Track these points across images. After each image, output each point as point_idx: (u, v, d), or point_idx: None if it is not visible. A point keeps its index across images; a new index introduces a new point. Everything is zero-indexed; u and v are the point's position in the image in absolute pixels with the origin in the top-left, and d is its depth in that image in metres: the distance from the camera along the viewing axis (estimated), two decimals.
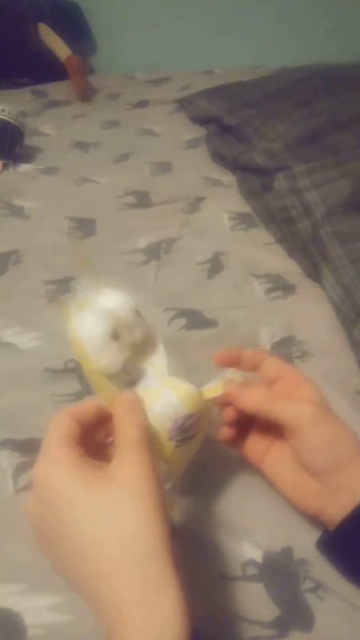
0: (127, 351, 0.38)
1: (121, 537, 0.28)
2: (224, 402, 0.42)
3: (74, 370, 0.56)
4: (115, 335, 0.37)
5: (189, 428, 0.38)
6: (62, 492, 0.30)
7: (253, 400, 0.40)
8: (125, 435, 0.33)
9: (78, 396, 0.54)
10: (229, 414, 0.43)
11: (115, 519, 0.29)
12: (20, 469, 0.46)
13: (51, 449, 0.32)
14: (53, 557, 0.32)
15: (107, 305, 0.38)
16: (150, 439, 0.34)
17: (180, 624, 0.27)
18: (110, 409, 0.35)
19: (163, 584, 0.28)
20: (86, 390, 0.55)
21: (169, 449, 0.37)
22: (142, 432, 0.33)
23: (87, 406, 0.35)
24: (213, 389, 0.41)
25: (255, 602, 0.37)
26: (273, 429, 0.42)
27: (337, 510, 0.37)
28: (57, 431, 0.33)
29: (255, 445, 0.43)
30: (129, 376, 0.39)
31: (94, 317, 0.37)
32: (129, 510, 0.29)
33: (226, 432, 0.44)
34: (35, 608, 0.37)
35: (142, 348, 0.40)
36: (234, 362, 0.43)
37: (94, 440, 0.36)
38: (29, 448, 0.48)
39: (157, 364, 0.41)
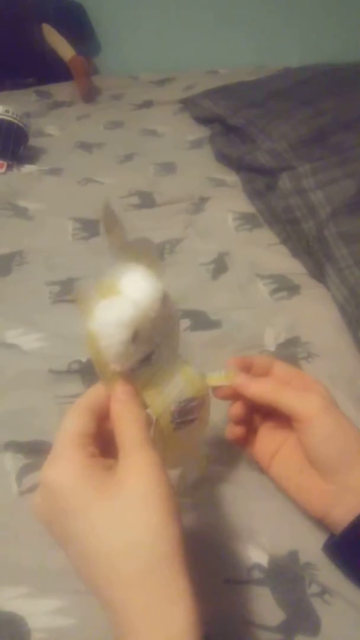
0: (147, 343, 0.35)
1: (131, 546, 0.27)
2: (232, 395, 0.41)
3: (78, 371, 0.56)
4: (135, 336, 0.33)
5: (190, 411, 0.37)
6: (70, 499, 0.29)
7: (262, 389, 0.40)
8: (129, 433, 0.32)
9: None
10: (238, 411, 0.42)
11: (125, 528, 0.28)
12: (24, 471, 0.46)
13: (62, 449, 0.31)
14: (65, 553, 0.31)
15: (132, 295, 0.33)
16: (152, 428, 0.33)
17: (192, 635, 0.26)
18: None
19: (176, 595, 0.27)
20: None
21: (169, 432, 0.36)
22: (144, 428, 0.32)
23: (99, 394, 0.34)
24: (217, 378, 0.40)
25: (261, 606, 0.37)
26: (283, 429, 0.42)
27: (343, 513, 0.37)
28: (69, 429, 0.32)
29: (265, 446, 0.43)
30: (142, 354, 0.36)
31: (115, 317, 0.32)
32: (141, 520, 0.28)
33: (235, 431, 0.43)
34: (39, 612, 0.37)
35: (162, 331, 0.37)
36: (246, 369, 0.42)
37: (108, 428, 0.34)
38: (32, 450, 0.48)
39: (172, 346, 0.38)
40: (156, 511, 0.28)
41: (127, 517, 0.28)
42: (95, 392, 0.34)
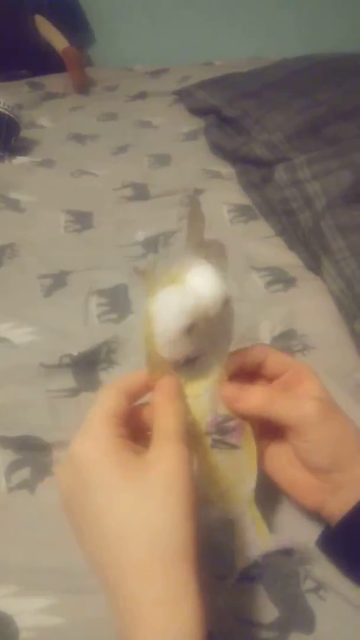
0: (199, 341, 0.35)
1: (148, 534, 0.27)
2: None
3: (69, 365, 0.55)
4: (191, 329, 0.34)
5: (228, 432, 0.37)
6: (95, 473, 0.29)
7: (252, 404, 0.38)
8: (166, 424, 0.32)
9: (74, 392, 0.53)
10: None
11: (145, 514, 0.28)
12: (13, 467, 0.45)
13: (93, 424, 0.31)
14: (77, 532, 0.30)
15: (195, 292, 0.33)
16: (187, 431, 0.33)
17: (196, 633, 0.26)
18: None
19: (184, 589, 0.26)
20: (82, 385, 0.54)
21: (205, 444, 0.36)
22: (182, 423, 0.32)
23: (137, 378, 0.35)
24: None
25: (254, 603, 0.36)
26: (274, 423, 0.41)
27: (337, 506, 0.36)
28: (103, 406, 0.32)
29: (256, 440, 0.42)
30: (190, 354, 0.36)
31: (176, 305, 0.33)
32: (161, 507, 0.28)
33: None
34: (27, 611, 0.36)
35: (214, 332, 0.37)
36: (240, 366, 0.40)
37: (141, 416, 0.35)
38: (22, 446, 0.47)
39: (220, 353, 0.38)
40: (178, 505, 0.28)
41: (148, 503, 0.28)
42: (134, 378, 0.35)
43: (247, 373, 0.40)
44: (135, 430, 0.34)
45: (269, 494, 0.41)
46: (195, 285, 0.34)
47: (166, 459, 0.30)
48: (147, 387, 0.35)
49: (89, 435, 0.31)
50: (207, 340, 0.36)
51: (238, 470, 0.38)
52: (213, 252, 0.37)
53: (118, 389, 0.33)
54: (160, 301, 0.33)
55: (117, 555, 0.27)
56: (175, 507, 0.28)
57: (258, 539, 0.38)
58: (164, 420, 0.32)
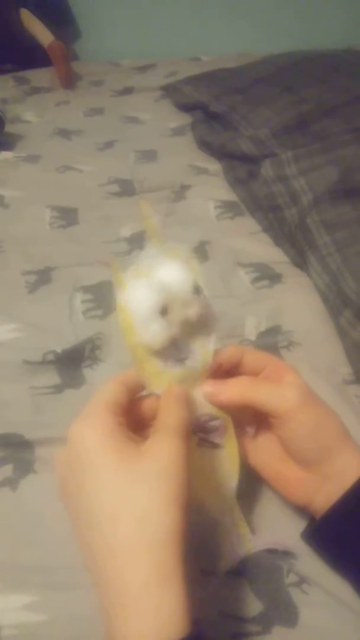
0: (176, 328, 0.36)
1: (138, 517, 0.28)
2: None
3: (53, 362, 0.54)
4: (164, 311, 0.35)
5: (212, 431, 0.37)
6: (91, 455, 0.30)
7: (234, 392, 0.38)
8: (168, 420, 0.33)
9: (57, 389, 0.53)
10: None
11: (136, 497, 0.28)
12: None
13: (93, 410, 0.32)
14: (72, 514, 0.31)
15: (163, 277, 0.35)
16: (189, 424, 0.33)
17: (183, 620, 0.26)
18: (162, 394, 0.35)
19: (170, 576, 0.27)
20: (66, 382, 0.53)
21: (192, 443, 0.37)
22: (185, 423, 0.33)
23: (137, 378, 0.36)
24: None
25: (238, 597, 0.36)
26: (259, 417, 0.41)
27: (323, 500, 0.36)
28: (105, 394, 0.33)
29: (241, 435, 0.42)
30: (179, 354, 0.37)
31: (145, 288, 0.35)
32: (153, 492, 0.28)
33: None
34: (9, 608, 0.36)
35: (196, 328, 0.38)
36: (216, 372, 0.40)
37: (139, 413, 0.36)
38: (5, 443, 0.46)
39: (204, 352, 0.38)
40: (169, 492, 0.28)
41: (141, 488, 0.29)
42: (134, 374, 0.36)
43: (226, 373, 0.40)
44: (134, 422, 0.35)
45: (253, 491, 0.41)
46: (163, 273, 0.35)
47: (162, 449, 0.30)
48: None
49: (89, 419, 0.32)
50: (190, 335, 0.37)
51: (220, 468, 0.38)
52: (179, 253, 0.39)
53: (119, 381, 0.34)
54: (130, 290, 0.35)
55: (106, 535, 0.28)
56: (166, 494, 0.28)
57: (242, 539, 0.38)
58: (167, 415, 0.33)
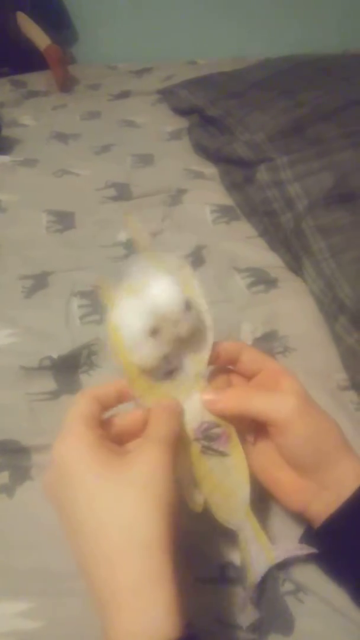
0: (168, 346, 0.36)
1: (124, 526, 0.28)
2: None
3: (50, 368, 0.54)
4: (154, 332, 0.35)
5: (216, 438, 0.38)
6: (77, 471, 0.31)
7: (231, 401, 0.38)
8: (156, 431, 0.33)
9: (54, 395, 0.53)
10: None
11: (122, 508, 0.29)
12: None
13: (72, 427, 0.32)
14: (65, 527, 0.31)
15: (153, 296, 0.35)
16: (178, 445, 0.34)
17: (174, 622, 0.27)
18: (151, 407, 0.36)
19: (160, 579, 0.27)
20: (62, 388, 0.53)
21: (196, 451, 0.37)
22: (173, 435, 0.34)
23: (109, 389, 0.36)
24: None
25: (234, 605, 0.36)
26: (257, 424, 0.41)
27: (321, 508, 0.36)
28: (79, 409, 0.33)
29: (241, 443, 0.42)
30: (169, 365, 0.37)
31: (135, 310, 0.35)
32: (140, 500, 0.29)
33: None
34: (4, 614, 0.36)
35: (188, 340, 0.38)
36: (212, 360, 0.41)
37: (119, 428, 0.36)
38: (2, 450, 0.46)
39: (198, 361, 0.38)
40: (154, 501, 0.29)
41: (126, 498, 0.29)
42: (104, 386, 0.36)
43: (223, 369, 0.41)
44: (114, 437, 0.35)
45: (262, 499, 0.41)
46: (153, 293, 0.35)
47: (147, 457, 0.31)
48: (120, 398, 0.36)
49: (68, 437, 0.32)
50: (181, 348, 0.37)
51: (229, 477, 0.38)
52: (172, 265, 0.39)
53: (91, 396, 0.35)
54: (120, 309, 0.35)
55: (93, 546, 0.29)
56: (152, 501, 0.29)
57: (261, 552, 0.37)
58: (155, 427, 0.34)
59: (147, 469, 0.30)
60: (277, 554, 0.37)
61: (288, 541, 0.39)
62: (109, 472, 0.30)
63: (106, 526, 0.29)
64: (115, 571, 0.28)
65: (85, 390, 0.35)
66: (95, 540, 0.29)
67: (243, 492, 0.37)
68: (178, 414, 0.36)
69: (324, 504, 0.36)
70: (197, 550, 0.39)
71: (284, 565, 0.37)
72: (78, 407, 0.34)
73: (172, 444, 0.33)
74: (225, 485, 0.38)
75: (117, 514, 0.29)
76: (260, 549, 0.37)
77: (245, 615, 0.35)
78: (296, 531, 0.39)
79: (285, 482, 0.38)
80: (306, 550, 0.37)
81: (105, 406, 0.35)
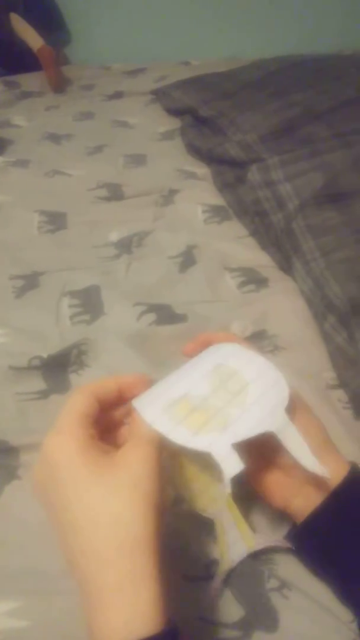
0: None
1: (112, 525, 0.29)
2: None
3: (39, 367, 0.54)
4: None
5: None
6: (65, 469, 0.31)
7: None
8: (140, 426, 0.33)
9: (43, 394, 0.53)
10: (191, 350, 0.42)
11: (110, 508, 0.29)
12: None
13: (65, 423, 0.33)
14: (52, 523, 0.32)
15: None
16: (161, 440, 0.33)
17: (157, 617, 0.27)
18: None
19: (144, 577, 0.28)
20: (52, 388, 0.54)
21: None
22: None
23: (109, 386, 0.36)
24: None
25: (219, 603, 0.36)
26: None
27: (303, 504, 0.37)
28: (75, 406, 0.33)
29: None
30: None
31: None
32: (130, 500, 0.30)
33: None
34: None
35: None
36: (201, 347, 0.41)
37: (110, 417, 0.37)
38: None
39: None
40: (142, 501, 0.30)
41: (114, 499, 0.30)
42: (108, 384, 0.36)
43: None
44: (106, 427, 0.36)
45: (246, 497, 0.42)
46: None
47: (134, 457, 0.31)
48: (119, 393, 0.36)
49: (61, 434, 0.32)
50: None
51: (210, 467, 0.38)
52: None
53: (89, 392, 0.34)
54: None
55: (83, 542, 0.29)
56: (139, 503, 0.30)
57: (239, 540, 0.38)
58: (139, 424, 0.33)
59: (136, 469, 0.31)
60: (258, 541, 0.37)
61: (272, 534, 0.39)
62: (100, 473, 0.30)
63: (97, 524, 0.29)
64: (103, 567, 0.28)
65: (84, 387, 0.35)
66: (85, 537, 0.29)
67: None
68: None
69: (306, 499, 0.36)
70: (182, 548, 0.39)
71: (268, 561, 0.38)
72: (74, 404, 0.33)
73: (159, 442, 0.33)
74: (205, 474, 0.38)
75: (108, 513, 0.29)
76: (238, 536, 0.37)
77: (214, 603, 0.35)
78: (280, 529, 0.40)
79: (267, 478, 0.39)
80: (284, 544, 0.37)
81: (103, 402, 0.35)
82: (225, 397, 0.35)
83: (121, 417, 0.37)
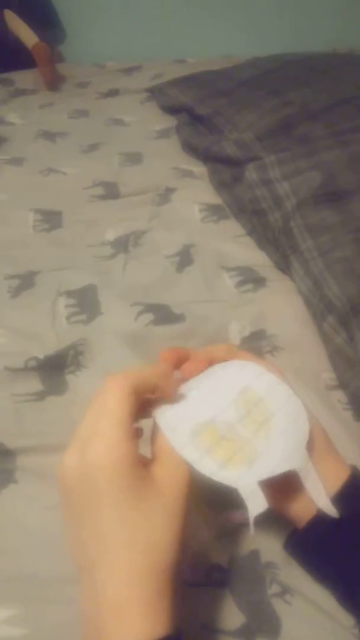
0: None
1: (150, 550, 0.29)
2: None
3: (36, 368, 0.53)
4: None
5: None
6: (107, 482, 0.29)
7: None
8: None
9: (40, 396, 0.52)
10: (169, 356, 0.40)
11: (149, 533, 0.29)
12: None
13: (113, 430, 0.30)
14: (72, 525, 0.31)
15: None
16: None
17: (168, 629, 0.28)
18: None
19: (164, 595, 0.28)
20: (48, 389, 0.53)
21: None
22: None
23: (150, 377, 0.33)
24: None
25: (220, 609, 0.36)
26: None
27: (303, 507, 0.36)
28: (119, 410, 0.30)
29: None
30: None
31: None
32: (162, 528, 0.29)
33: None
34: None
35: None
36: (181, 362, 0.39)
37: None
38: None
39: None
40: (174, 527, 0.30)
41: (151, 525, 0.29)
42: (145, 376, 0.33)
43: None
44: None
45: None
46: None
47: (175, 483, 0.31)
48: (157, 390, 0.34)
49: (103, 441, 0.30)
50: None
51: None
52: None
53: (133, 390, 0.31)
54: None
55: (110, 561, 0.29)
56: (173, 529, 0.30)
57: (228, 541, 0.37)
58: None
59: (178, 496, 0.30)
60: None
61: (264, 542, 0.39)
62: (140, 496, 0.30)
63: (131, 549, 0.29)
64: (126, 585, 0.28)
65: (123, 381, 0.31)
66: (115, 557, 0.29)
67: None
68: None
69: (306, 503, 0.36)
70: (182, 553, 0.39)
71: (269, 567, 0.37)
72: (115, 405, 0.30)
73: None
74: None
75: (144, 540, 0.29)
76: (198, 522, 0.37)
77: (216, 607, 0.35)
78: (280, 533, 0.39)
79: (268, 482, 0.38)
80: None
81: (144, 397, 0.33)
82: (252, 427, 0.35)
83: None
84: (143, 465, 0.31)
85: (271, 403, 0.37)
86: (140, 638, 0.27)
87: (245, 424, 0.35)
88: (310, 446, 0.36)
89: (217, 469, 0.32)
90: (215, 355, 0.40)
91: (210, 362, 0.39)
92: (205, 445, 0.33)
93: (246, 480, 0.32)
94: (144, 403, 0.34)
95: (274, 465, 0.33)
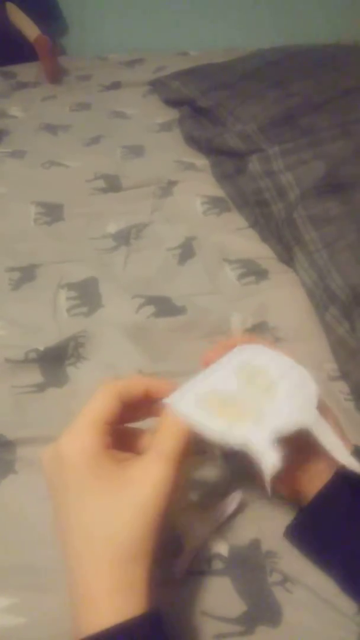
0: None
1: (108, 541, 0.29)
2: None
3: (36, 360, 0.53)
4: None
5: None
6: (76, 477, 0.30)
7: None
8: (163, 444, 0.32)
9: (40, 388, 0.52)
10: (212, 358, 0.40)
11: (108, 524, 0.29)
12: None
13: (82, 425, 0.32)
14: (55, 517, 0.32)
15: None
16: (187, 452, 0.32)
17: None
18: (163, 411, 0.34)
19: (134, 584, 0.29)
20: (49, 381, 0.53)
21: None
22: (180, 451, 0.32)
23: (137, 387, 0.35)
24: None
25: (221, 597, 0.36)
26: None
27: (310, 495, 0.36)
28: (96, 409, 0.32)
29: None
30: None
31: None
32: (126, 522, 0.29)
33: None
34: None
35: None
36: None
37: (134, 416, 0.36)
38: None
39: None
40: (142, 524, 0.29)
41: (112, 517, 0.29)
42: (132, 383, 0.35)
43: None
44: (122, 433, 0.35)
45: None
46: None
47: (149, 478, 0.30)
48: (146, 397, 0.35)
49: (75, 436, 0.32)
50: None
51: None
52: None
53: (116, 394, 0.33)
54: None
55: (77, 548, 0.30)
56: (139, 526, 0.29)
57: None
58: (162, 439, 0.32)
59: (146, 490, 0.30)
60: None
61: (265, 529, 0.39)
62: (107, 487, 0.30)
63: (91, 538, 0.29)
64: (95, 575, 0.29)
65: (111, 387, 0.33)
66: (80, 546, 0.29)
67: None
68: (190, 435, 0.33)
69: (314, 489, 0.36)
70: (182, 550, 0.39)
71: (270, 555, 0.37)
72: (95, 406, 0.32)
73: (179, 460, 0.31)
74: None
75: (103, 531, 0.29)
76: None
77: (215, 596, 0.35)
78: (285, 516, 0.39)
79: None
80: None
81: (128, 403, 0.34)
82: (255, 392, 0.34)
83: (141, 415, 0.36)
84: (116, 461, 0.31)
85: (273, 372, 0.36)
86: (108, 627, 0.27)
87: (247, 391, 0.34)
88: (322, 410, 0.35)
89: (227, 428, 0.31)
90: (233, 343, 0.40)
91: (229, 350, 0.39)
92: (210, 409, 0.32)
93: (257, 437, 0.31)
94: (136, 406, 0.35)
95: (284, 423, 0.32)
